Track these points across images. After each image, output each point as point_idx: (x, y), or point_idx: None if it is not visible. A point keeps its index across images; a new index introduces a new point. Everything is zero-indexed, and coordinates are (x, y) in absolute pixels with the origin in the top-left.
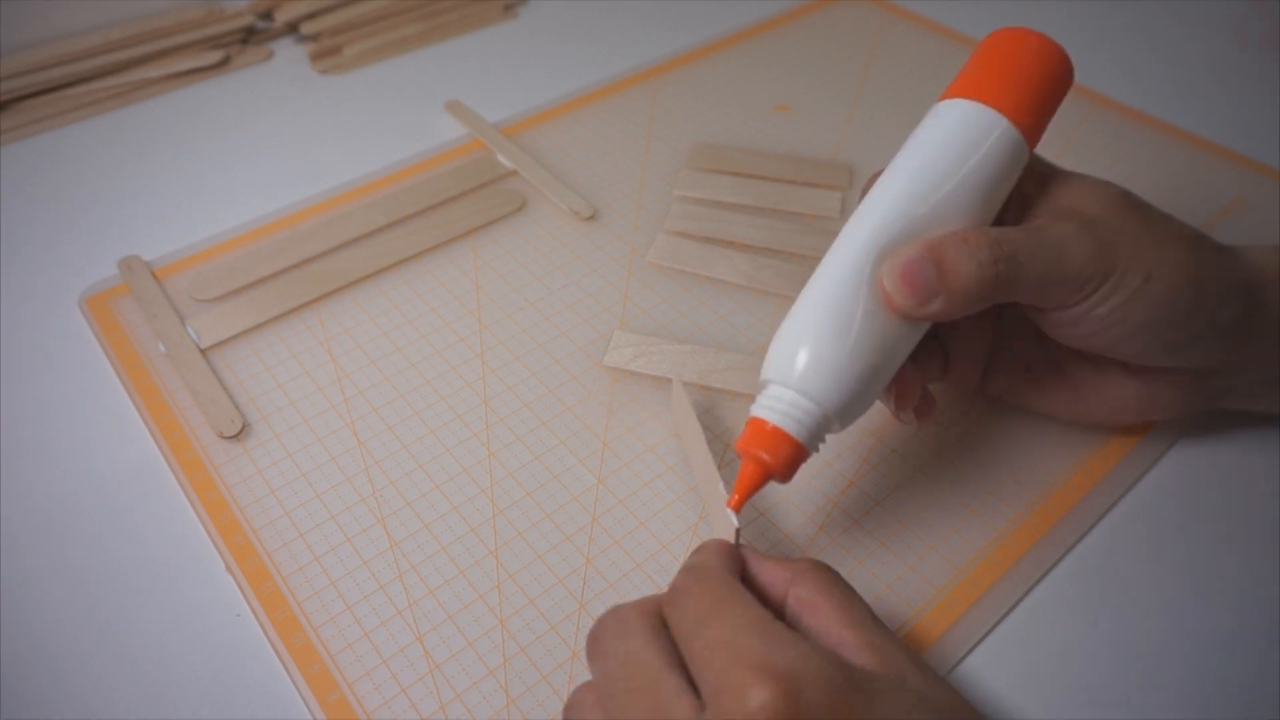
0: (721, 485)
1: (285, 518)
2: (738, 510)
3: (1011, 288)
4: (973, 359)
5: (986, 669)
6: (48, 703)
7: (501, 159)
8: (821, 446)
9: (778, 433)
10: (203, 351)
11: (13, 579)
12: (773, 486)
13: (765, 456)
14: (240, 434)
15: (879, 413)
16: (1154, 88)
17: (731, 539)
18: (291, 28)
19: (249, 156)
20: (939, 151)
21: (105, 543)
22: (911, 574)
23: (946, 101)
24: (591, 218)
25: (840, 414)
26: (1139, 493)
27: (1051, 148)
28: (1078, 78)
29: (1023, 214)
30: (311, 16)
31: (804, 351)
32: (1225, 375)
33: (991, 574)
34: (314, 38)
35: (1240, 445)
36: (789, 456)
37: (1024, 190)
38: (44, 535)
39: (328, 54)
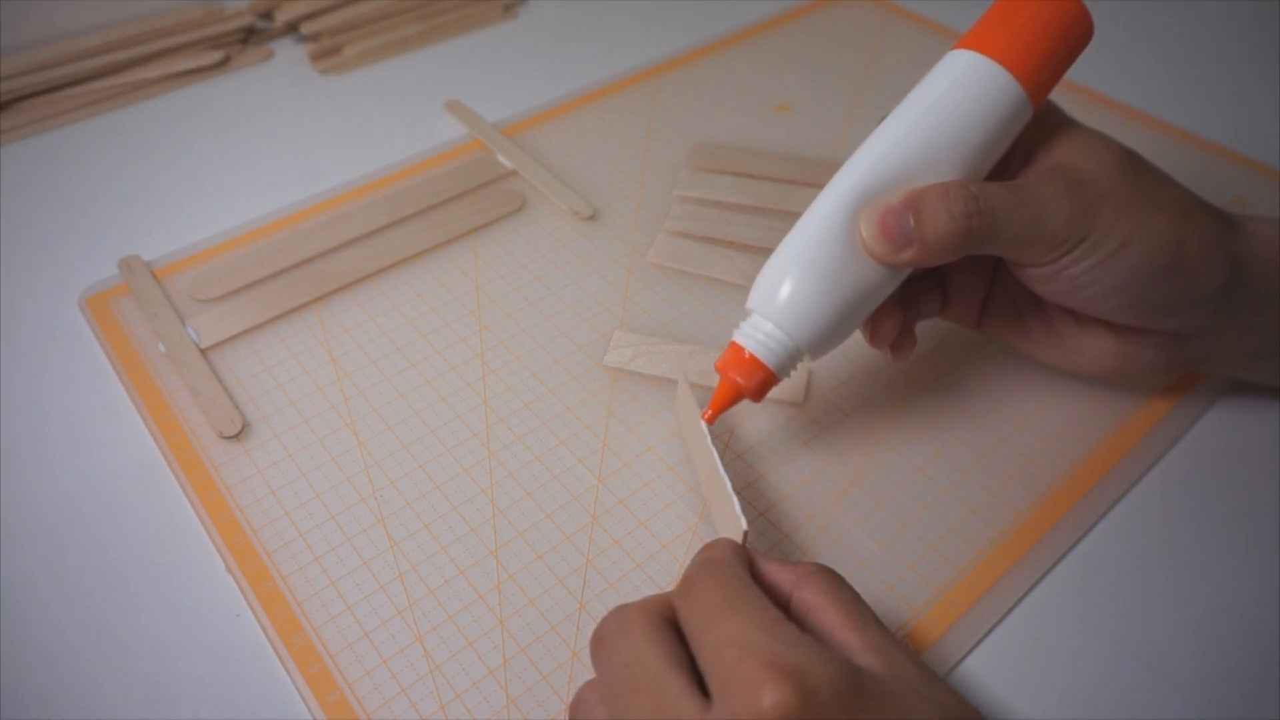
0: (729, 485)
1: (285, 518)
2: (711, 422)
3: (985, 242)
4: (970, 298)
5: (986, 669)
6: (48, 703)
7: (501, 159)
8: (794, 373)
9: (753, 360)
10: (203, 351)
11: (13, 579)
12: (773, 485)
13: (740, 379)
14: (240, 434)
15: (880, 413)
16: (1154, 88)
17: (739, 540)
18: (291, 28)
19: (249, 156)
20: (937, 102)
21: (105, 543)
22: (911, 574)
23: (954, 52)
24: (591, 218)
25: (812, 348)
26: (1139, 493)
27: None
28: (1078, 77)
29: (1024, 165)
30: (311, 16)
31: (785, 286)
32: (1206, 340)
33: (991, 574)
34: (314, 38)
35: (1245, 444)
36: (761, 381)
37: (1028, 140)
38: (44, 535)
39: (328, 54)
